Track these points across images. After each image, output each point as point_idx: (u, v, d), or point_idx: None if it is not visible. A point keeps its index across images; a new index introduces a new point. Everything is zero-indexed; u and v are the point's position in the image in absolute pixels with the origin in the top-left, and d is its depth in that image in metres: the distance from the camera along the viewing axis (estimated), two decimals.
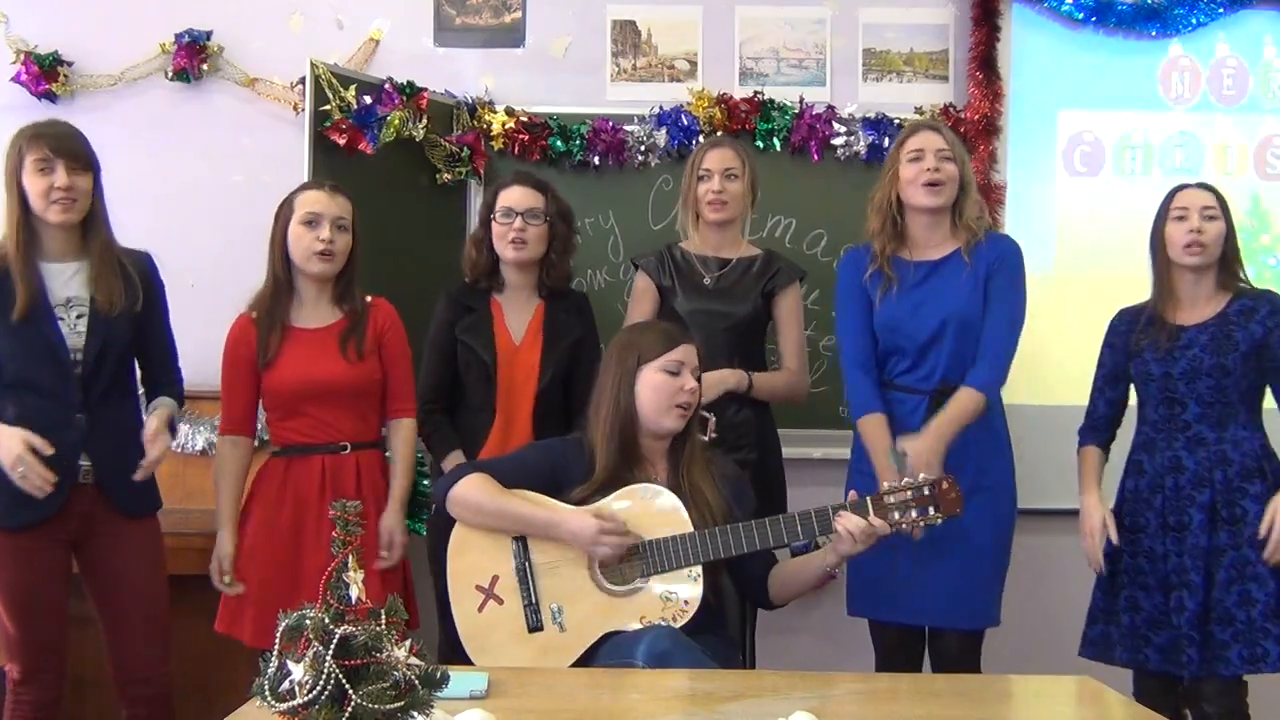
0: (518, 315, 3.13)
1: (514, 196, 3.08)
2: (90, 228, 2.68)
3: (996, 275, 2.85)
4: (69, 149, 2.62)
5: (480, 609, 2.47)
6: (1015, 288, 2.87)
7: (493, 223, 3.09)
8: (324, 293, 2.90)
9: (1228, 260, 2.89)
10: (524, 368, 3.07)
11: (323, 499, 2.80)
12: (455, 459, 3.04)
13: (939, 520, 2.41)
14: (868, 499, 2.41)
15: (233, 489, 2.88)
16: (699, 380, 2.58)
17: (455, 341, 3.10)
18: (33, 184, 2.59)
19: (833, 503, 2.45)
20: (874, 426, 2.84)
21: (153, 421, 2.68)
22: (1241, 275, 2.93)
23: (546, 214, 3.09)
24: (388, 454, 3.00)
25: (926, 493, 2.40)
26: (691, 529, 2.43)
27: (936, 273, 2.87)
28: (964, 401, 2.76)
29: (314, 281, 2.88)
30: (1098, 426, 3.03)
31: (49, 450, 2.53)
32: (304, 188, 2.91)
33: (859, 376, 2.91)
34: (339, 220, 2.84)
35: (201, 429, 3.57)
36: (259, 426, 3.03)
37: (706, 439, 2.84)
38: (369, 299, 2.94)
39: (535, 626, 2.43)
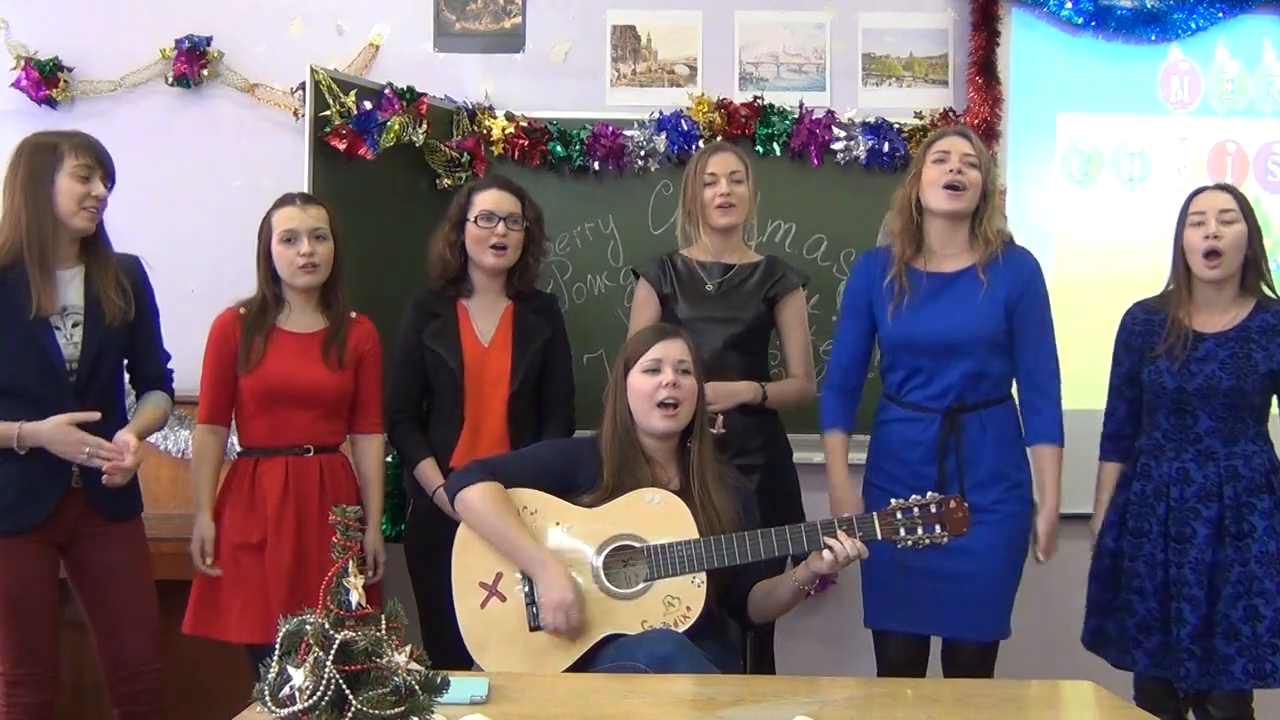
0: (485, 318, 3.11)
1: (493, 200, 3.07)
2: (93, 238, 2.71)
3: (1025, 306, 2.84)
4: (106, 163, 2.69)
5: (483, 605, 2.47)
6: (1046, 315, 2.88)
7: (469, 226, 3.07)
8: (310, 300, 2.94)
9: (1251, 263, 2.84)
10: (493, 371, 3.06)
11: (285, 500, 2.84)
12: (429, 466, 3.04)
13: (945, 539, 2.40)
14: (874, 516, 2.41)
15: (212, 475, 2.91)
16: (695, 375, 2.57)
17: (423, 349, 3.08)
18: (70, 187, 2.61)
19: (840, 515, 2.44)
20: (835, 444, 2.95)
21: (128, 436, 2.66)
22: (1267, 278, 2.87)
23: (525, 218, 3.10)
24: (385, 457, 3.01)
25: (934, 511, 2.40)
26: (697, 535, 2.43)
27: (951, 287, 2.85)
28: (1055, 461, 2.83)
29: (301, 291, 2.92)
30: (1121, 434, 2.99)
31: (95, 416, 2.60)
32: (277, 205, 2.93)
33: (830, 395, 2.99)
34: (315, 231, 2.87)
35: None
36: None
37: (715, 432, 2.86)
38: (353, 314, 2.97)
39: (536, 626, 2.43)
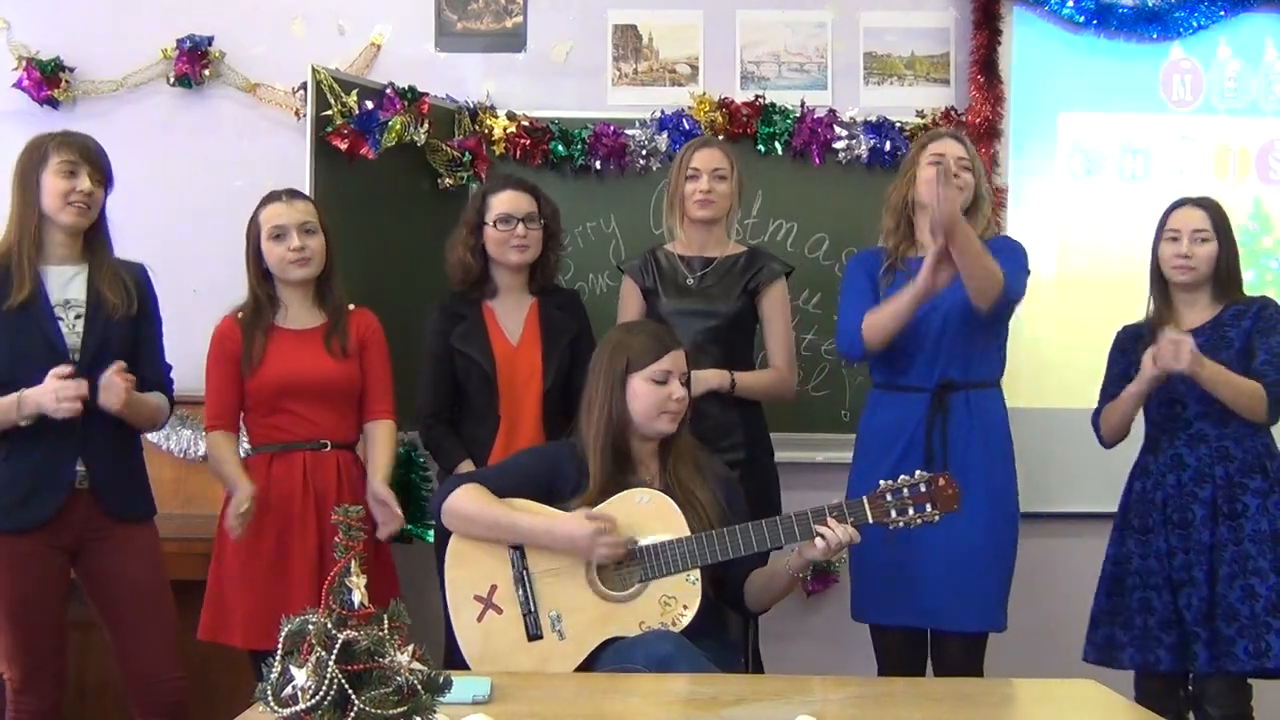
0: (512, 316, 3.12)
1: (510, 202, 3.06)
2: (94, 237, 2.73)
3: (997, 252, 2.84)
4: (94, 159, 2.70)
5: (479, 618, 2.46)
6: (1014, 250, 2.91)
7: (487, 230, 3.07)
8: (306, 296, 2.94)
9: (1222, 276, 2.92)
10: (525, 369, 3.06)
11: (305, 496, 2.84)
12: (465, 469, 3.01)
13: (936, 517, 2.41)
14: (864, 498, 2.42)
15: (234, 455, 2.86)
16: (688, 384, 2.57)
17: (451, 351, 3.08)
18: (54, 184, 2.64)
19: (830, 503, 2.45)
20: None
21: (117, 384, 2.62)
22: (1239, 289, 2.95)
23: (543, 216, 3.10)
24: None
25: (924, 489, 2.40)
26: (688, 532, 2.43)
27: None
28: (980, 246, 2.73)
29: (296, 287, 2.92)
30: None
31: (67, 370, 2.56)
32: (263, 203, 2.93)
33: (852, 321, 2.90)
34: (304, 225, 2.88)
35: (203, 435, 3.55)
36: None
37: None
38: (351, 307, 2.98)
39: (535, 635, 2.43)
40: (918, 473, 2.43)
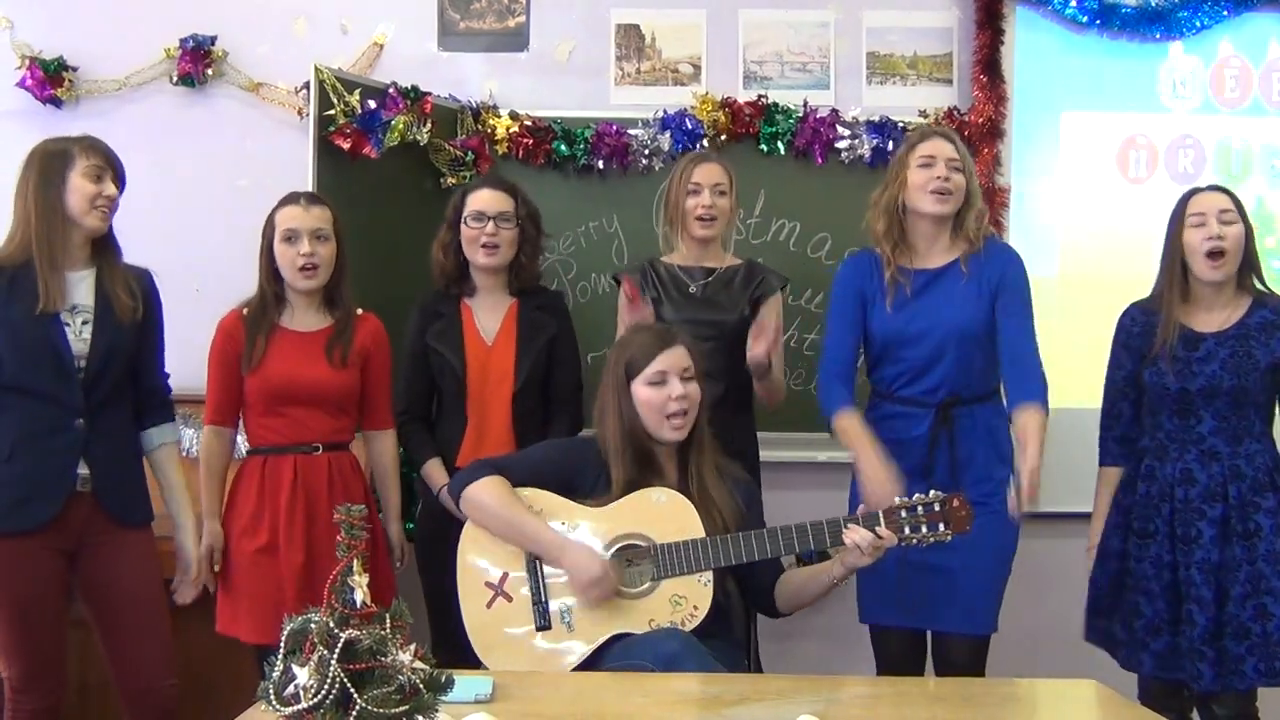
0: (489, 316, 3.12)
1: (484, 200, 3.07)
2: (103, 241, 2.74)
3: (1007, 293, 2.83)
4: (116, 165, 2.73)
5: (489, 605, 2.47)
6: (1027, 302, 2.86)
7: (462, 226, 3.07)
8: (313, 300, 2.95)
9: (1248, 263, 2.85)
10: (497, 370, 3.06)
11: (294, 497, 2.85)
12: (434, 466, 3.06)
13: (948, 537, 2.41)
14: (879, 513, 2.41)
15: (219, 482, 2.93)
16: (698, 378, 2.56)
17: (427, 349, 3.09)
18: (83, 187, 2.65)
19: (844, 514, 2.45)
20: (855, 422, 2.79)
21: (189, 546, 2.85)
22: (1261, 278, 2.88)
23: (518, 217, 3.10)
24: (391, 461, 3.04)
25: (938, 509, 2.40)
26: (703, 534, 2.43)
27: (936, 283, 2.86)
28: (1039, 422, 2.68)
29: (303, 292, 2.92)
30: (1128, 436, 2.97)
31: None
32: (281, 204, 2.94)
33: (835, 383, 2.87)
34: (317, 232, 2.88)
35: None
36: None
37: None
38: (359, 311, 2.99)
39: (543, 625, 2.44)
40: (932, 492, 2.43)
